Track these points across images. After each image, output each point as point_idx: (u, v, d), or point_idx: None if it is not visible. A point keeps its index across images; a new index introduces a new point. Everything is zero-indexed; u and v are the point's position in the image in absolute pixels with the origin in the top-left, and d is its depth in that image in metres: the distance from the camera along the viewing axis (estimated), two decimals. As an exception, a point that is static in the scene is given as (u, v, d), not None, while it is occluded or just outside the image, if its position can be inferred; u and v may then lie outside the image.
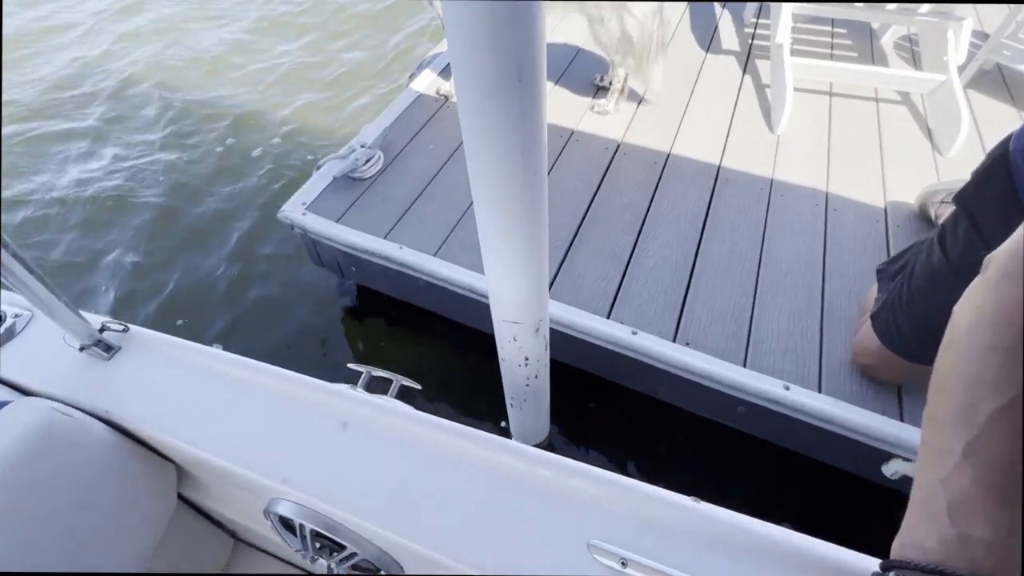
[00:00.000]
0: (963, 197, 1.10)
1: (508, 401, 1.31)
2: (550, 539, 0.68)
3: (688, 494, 0.74)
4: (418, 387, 0.87)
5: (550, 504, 0.70)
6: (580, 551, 0.67)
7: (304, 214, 1.89)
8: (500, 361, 1.17)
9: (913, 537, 0.42)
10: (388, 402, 0.80)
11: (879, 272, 1.46)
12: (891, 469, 1.41)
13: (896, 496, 1.51)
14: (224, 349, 0.87)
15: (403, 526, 0.69)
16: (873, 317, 1.37)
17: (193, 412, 0.79)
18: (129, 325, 0.88)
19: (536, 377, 1.18)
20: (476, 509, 0.70)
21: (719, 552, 0.65)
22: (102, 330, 0.84)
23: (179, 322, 2.21)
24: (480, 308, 1.73)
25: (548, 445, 1.58)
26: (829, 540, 0.67)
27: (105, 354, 0.83)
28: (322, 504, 0.72)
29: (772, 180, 2.02)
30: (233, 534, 1.21)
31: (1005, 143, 1.00)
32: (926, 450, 0.44)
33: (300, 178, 2.78)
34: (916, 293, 1.25)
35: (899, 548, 0.43)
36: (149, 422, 0.78)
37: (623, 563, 0.65)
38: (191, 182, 2.80)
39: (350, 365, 0.91)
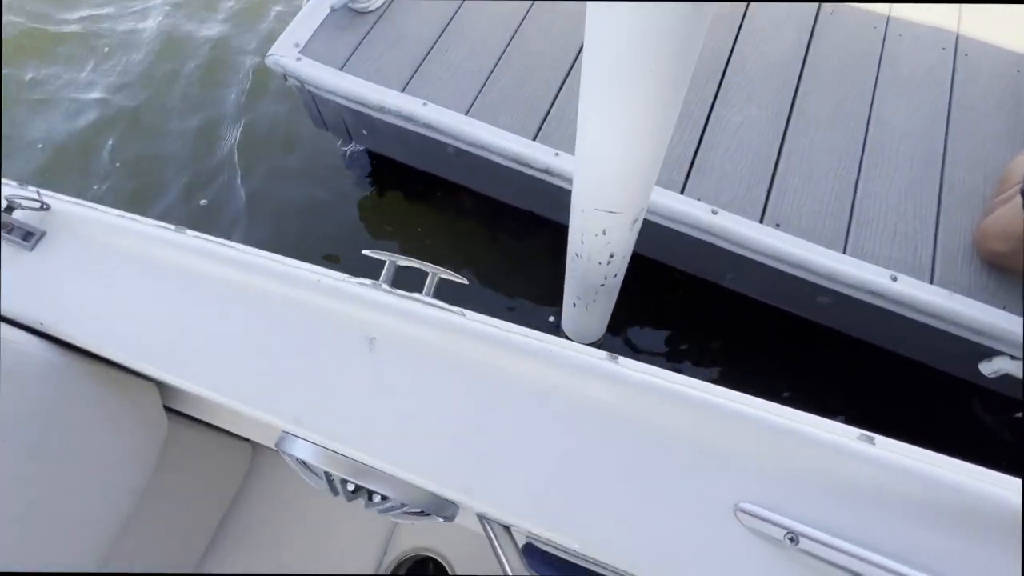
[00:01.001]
0: None
1: (570, 300, 1.09)
2: (677, 501, 0.49)
3: (763, 395, 0.56)
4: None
5: (672, 451, 0.50)
6: (723, 517, 0.48)
7: (299, 59, 1.51)
8: (572, 257, 0.93)
9: None
10: (426, 306, 0.57)
11: (1039, 136, 1.16)
12: (992, 367, 1.26)
13: (978, 392, 1.39)
14: (200, 230, 0.62)
15: (464, 481, 0.51)
16: (1026, 194, 1.11)
17: (162, 324, 0.56)
18: (48, 198, 0.61)
19: (616, 276, 0.95)
20: (568, 460, 0.50)
21: (914, 518, 0.47)
22: (9, 209, 0.59)
23: (165, 199, 1.93)
24: (525, 182, 1.44)
25: (600, 345, 1.42)
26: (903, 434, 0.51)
27: (24, 243, 0.58)
28: (349, 449, 0.53)
29: (889, 16, 1.59)
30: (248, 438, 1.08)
31: None
32: None
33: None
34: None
35: None
36: (106, 339, 0.56)
37: (791, 538, 0.47)
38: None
39: (366, 252, 0.66)
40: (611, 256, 0.87)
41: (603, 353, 0.56)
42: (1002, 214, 1.17)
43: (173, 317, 0.56)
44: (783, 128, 1.41)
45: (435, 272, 0.64)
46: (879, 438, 0.51)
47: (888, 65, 1.51)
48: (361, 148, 1.91)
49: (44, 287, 0.58)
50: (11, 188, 0.61)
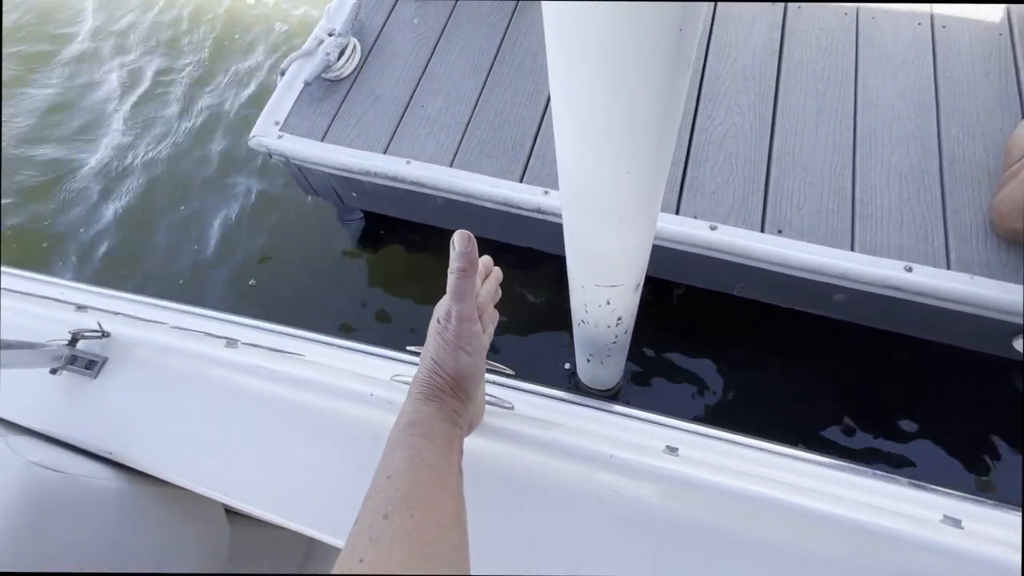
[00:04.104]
0: None
1: (583, 357, 1.07)
2: None
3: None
4: (510, 372, 0.64)
5: (751, 557, 0.48)
6: None
7: (280, 137, 1.53)
8: (577, 324, 0.91)
9: None
10: (491, 414, 0.56)
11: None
12: (1026, 343, 1.21)
13: (1013, 365, 1.33)
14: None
15: None
16: (1034, 166, 1.07)
17: (219, 446, 0.56)
18: (108, 327, 0.62)
19: (626, 332, 0.93)
20: (638, 572, 0.49)
21: None
22: (74, 341, 0.60)
23: (180, 281, 1.96)
24: (519, 222, 1.44)
25: (619, 390, 1.38)
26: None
27: (88, 371, 0.60)
28: None
29: (858, -1, 1.57)
30: None
31: None
32: None
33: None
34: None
35: None
36: (169, 465, 0.57)
37: None
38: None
39: (410, 348, 0.67)
40: (619, 319, 0.84)
41: (660, 443, 0.53)
42: (1015, 188, 1.13)
43: (229, 438, 0.56)
44: (769, 132, 1.39)
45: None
46: (966, 513, 0.49)
47: (866, 48, 1.48)
48: (353, 207, 1.93)
49: (110, 415, 0.58)
50: (76, 321, 0.62)
